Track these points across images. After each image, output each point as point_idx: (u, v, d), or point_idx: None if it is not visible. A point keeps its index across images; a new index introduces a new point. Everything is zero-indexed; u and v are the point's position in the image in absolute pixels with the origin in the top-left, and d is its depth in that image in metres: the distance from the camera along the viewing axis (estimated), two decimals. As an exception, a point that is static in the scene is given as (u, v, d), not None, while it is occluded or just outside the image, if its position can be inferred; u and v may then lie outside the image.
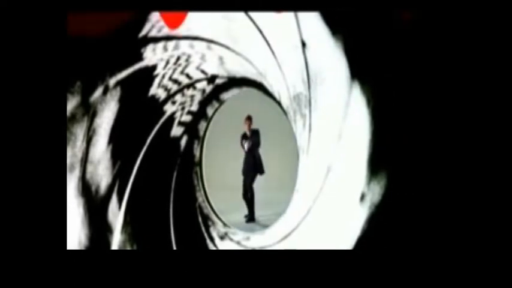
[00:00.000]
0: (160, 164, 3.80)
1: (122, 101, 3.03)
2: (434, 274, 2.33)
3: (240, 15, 2.89)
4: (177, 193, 3.98)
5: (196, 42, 3.27)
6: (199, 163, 4.62)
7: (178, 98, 3.80)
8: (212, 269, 2.53)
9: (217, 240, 4.09)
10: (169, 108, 3.75)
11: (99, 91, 2.87)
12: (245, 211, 5.84)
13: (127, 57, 3.00)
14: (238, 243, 4.01)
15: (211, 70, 3.78)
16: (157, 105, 3.58)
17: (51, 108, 2.33)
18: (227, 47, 3.33)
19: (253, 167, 5.84)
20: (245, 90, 4.21)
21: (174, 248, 3.65)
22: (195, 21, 2.94)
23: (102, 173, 3.03)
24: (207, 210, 4.48)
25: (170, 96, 3.67)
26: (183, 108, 4.00)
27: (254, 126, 5.84)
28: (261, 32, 3.02)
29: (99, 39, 2.68)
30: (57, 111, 2.37)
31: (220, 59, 3.57)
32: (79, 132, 2.78)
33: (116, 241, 3.13)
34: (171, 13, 2.78)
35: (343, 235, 2.59)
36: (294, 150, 3.75)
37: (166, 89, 3.56)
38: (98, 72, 2.85)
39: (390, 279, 2.35)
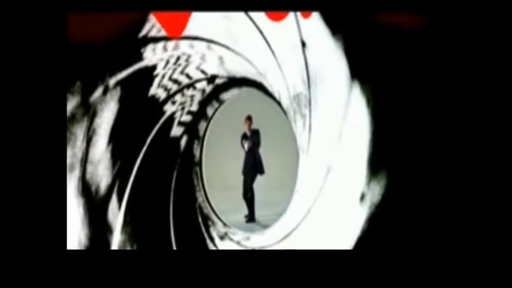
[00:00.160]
0: (160, 164, 3.80)
1: (121, 101, 3.03)
2: (434, 274, 2.33)
3: (240, 15, 2.89)
4: (177, 193, 3.98)
5: (196, 42, 3.26)
6: (199, 163, 4.62)
7: (178, 98, 3.80)
8: (212, 269, 2.53)
9: (217, 240, 4.09)
10: (169, 108, 3.75)
11: (99, 91, 2.86)
12: (245, 211, 5.84)
13: (127, 57, 3.00)
14: (238, 243, 4.01)
15: (211, 70, 3.78)
16: (157, 105, 3.58)
17: (51, 108, 2.33)
18: (227, 47, 3.33)
19: (253, 167, 5.84)
20: (245, 90, 4.21)
21: (174, 248, 3.65)
22: (195, 21, 2.93)
23: (102, 173, 3.03)
24: (207, 210, 4.48)
25: (170, 96, 3.67)
26: (183, 108, 4.00)
27: (254, 126, 5.84)
28: (261, 32, 3.02)
29: (99, 45, 2.68)
30: (57, 111, 2.37)
31: (220, 59, 3.57)
32: (79, 132, 2.78)
33: (116, 241, 3.13)
34: (171, 21, 2.79)
35: (343, 235, 2.59)
36: (294, 150, 3.76)
37: (166, 89, 3.56)
38: (98, 72, 2.85)
39: (390, 279, 2.35)
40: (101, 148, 3.00)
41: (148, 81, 3.32)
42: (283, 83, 3.35)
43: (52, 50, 2.34)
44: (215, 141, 4.84)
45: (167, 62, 3.33)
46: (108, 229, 3.10)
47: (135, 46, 3.00)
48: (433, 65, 2.42)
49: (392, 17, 2.43)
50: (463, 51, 2.38)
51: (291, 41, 2.88)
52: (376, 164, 2.49)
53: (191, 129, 4.29)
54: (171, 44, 3.19)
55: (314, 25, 2.64)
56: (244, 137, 5.88)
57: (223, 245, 4.02)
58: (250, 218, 5.77)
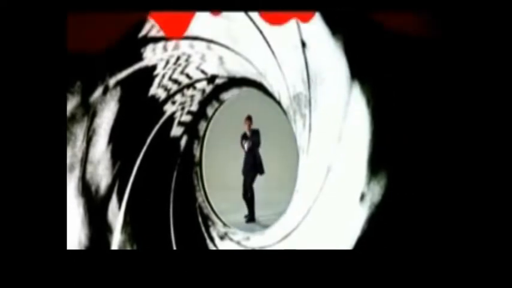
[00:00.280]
0: (160, 164, 3.80)
1: (121, 101, 3.03)
2: (434, 274, 2.33)
3: (240, 15, 2.89)
4: (177, 193, 3.98)
5: (196, 42, 3.26)
6: (199, 163, 4.62)
7: (178, 98, 3.80)
8: (212, 269, 2.53)
9: (217, 240, 4.09)
10: (169, 108, 3.75)
11: (99, 91, 2.86)
12: (245, 211, 5.83)
13: (127, 57, 3.00)
14: (238, 243, 4.01)
15: (211, 70, 3.78)
16: (157, 105, 3.58)
17: (51, 108, 2.33)
18: (227, 47, 3.33)
19: (253, 167, 5.84)
20: (245, 90, 4.21)
21: (174, 248, 3.65)
22: (195, 21, 2.93)
23: (102, 173, 3.03)
24: (207, 210, 4.48)
25: (170, 96, 3.67)
26: (183, 108, 4.00)
27: (254, 126, 5.84)
28: (261, 32, 3.02)
29: (99, 45, 2.68)
30: (57, 111, 2.37)
31: (220, 59, 3.57)
32: (79, 132, 2.78)
33: (116, 241, 3.13)
34: (171, 24, 2.79)
35: (343, 235, 2.59)
36: (294, 150, 3.75)
37: (166, 89, 3.56)
38: (98, 72, 2.85)
39: (390, 279, 2.35)
40: (101, 148, 3.00)
41: (148, 81, 3.32)
42: (283, 83, 3.35)
43: (52, 50, 2.34)
44: (215, 141, 4.84)
45: (167, 62, 3.33)
46: (108, 229, 3.10)
47: (135, 46, 3.00)
48: (433, 65, 2.42)
49: (393, 17, 2.43)
50: (463, 51, 2.38)
51: (291, 41, 2.88)
52: (376, 164, 2.49)
53: (191, 129, 4.28)
54: (171, 44, 3.19)
55: (314, 25, 2.64)
56: (244, 137, 5.87)
57: (223, 245, 4.01)
58: (250, 218, 5.77)
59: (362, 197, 2.51)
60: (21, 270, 2.22)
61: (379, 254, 2.41)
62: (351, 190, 2.57)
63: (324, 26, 2.60)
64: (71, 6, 2.42)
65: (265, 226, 4.49)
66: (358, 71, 2.55)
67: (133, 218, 3.29)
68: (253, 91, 4.09)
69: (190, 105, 4.11)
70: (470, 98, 2.37)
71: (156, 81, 3.39)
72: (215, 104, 4.42)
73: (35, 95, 2.31)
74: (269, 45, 3.11)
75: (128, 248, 3.21)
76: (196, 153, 4.56)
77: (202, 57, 3.52)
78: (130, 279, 2.48)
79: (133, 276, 2.49)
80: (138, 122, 3.40)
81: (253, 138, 5.80)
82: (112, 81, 2.93)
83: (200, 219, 4.27)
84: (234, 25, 3.03)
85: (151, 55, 3.12)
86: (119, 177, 3.19)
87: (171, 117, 3.87)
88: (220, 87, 4.16)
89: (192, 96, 4.02)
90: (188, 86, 3.85)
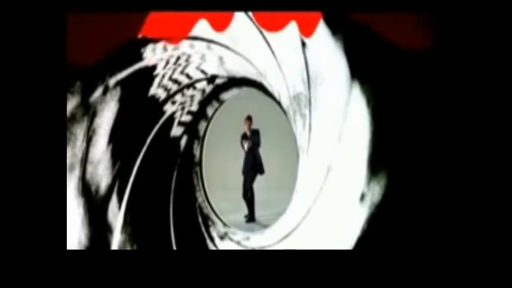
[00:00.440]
0: (160, 164, 3.80)
1: (121, 101, 3.03)
2: (434, 274, 2.33)
3: (240, 15, 2.89)
4: (177, 193, 3.98)
5: (196, 42, 3.26)
6: (199, 163, 4.61)
7: (178, 98, 3.79)
8: (212, 269, 2.53)
9: (217, 240, 4.08)
10: (169, 108, 3.75)
11: (99, 91, 2.87)
12: (245, 211, 5.83)
13: (127, 57, 3.00)
14: (238, 243, 4.00)
15: (211, 70, 3.78)
16: (157, 105, 3.58)
17: (51, 108, 2.33)
18: (227, 47, 3.33)
19: (253, 167, 5.84)
20: (245, 90, 4.20)
21: (174, 248, 3.64)
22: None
23: (102, 173, 3.03)
24: (207, 210, 4.47)
25: (170, 96, 3.67)
26: (183, 108, 4.00)
27: (254, 126, 5.84)
28: (261, 32, 3.02)
29: (99, 46, 2.69)
30: (57, 111, 2.37)
31: (220, 59, 3.57)
32: (79, 132, 2.78)
33: (116, 241, 3.13)
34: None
35: (343, 235, 2.59)
36: (294, 150, 3.75)
37: (166, 89, 3.56)
38: (98, 72, 2.85)
39: (390, 279, 2.35)
40: (101, 148, 3.00)
41: (148, 81, 3.32)
42: (283, 83, 3.34)
43: (52, 50, 2.34)
44: (215, 141, 4.83)
45: (167, 62, 3.33)
46: (108, 229, 3.10)
47: (135, 46, 3.00)
48: (433, 64, 2.42)
49: (393, 17, 2.43)
50: (463, 51, 2.38)
51: (291, 41, 2.88)
52: (376, 164, 2.49)
53: (191, 129, 4.28)
54: (171, 44, 3.19)
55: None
56: (244, 137, 5.87)
57: (223, 245, 4.01)
58: (250, 218, 5.77)
59: (362, 197, 2.51)
60: (22, 270, 2.22)
61: (379, 254, 2.41)
62: (351, 190, 2.56)
63: (324, 26, 2.60)
64: (70, 7, 2.42)
65: (265, 226, 4.49)
66: (358, 71, 2.55)
67: (133, 218, 3.29)
68: (253, 91, 4.08)
69: (190, 105, 4.11)
70: (470, 98, 2.37)
71: (156, 81, 3.39)
72: (215, 104, 4.42)
73: (35, 95, 2.31)
74: (269, 45, 3.11)
75: (128, 248, 3.21)
76: (196, 153, 4.55)
77: (202, 57, 3.52)
78: (131, 279, 2.48)
79: (133, 276, 2.49)
80: (138, 122, 3.40)
81: (253, 138, 5.80)
82: (112, 81, 2.93)
83: (200, 219, 4.26)
84: (234, 25, 3.03)
85: (151, 55, 3.12)
86: (119, 177, 3.19)
87: (171, 117, 3.87)
88: (220, 87, 4.16)
89: (192, 96, 4.02)
90: (188, 86, 3.84)
